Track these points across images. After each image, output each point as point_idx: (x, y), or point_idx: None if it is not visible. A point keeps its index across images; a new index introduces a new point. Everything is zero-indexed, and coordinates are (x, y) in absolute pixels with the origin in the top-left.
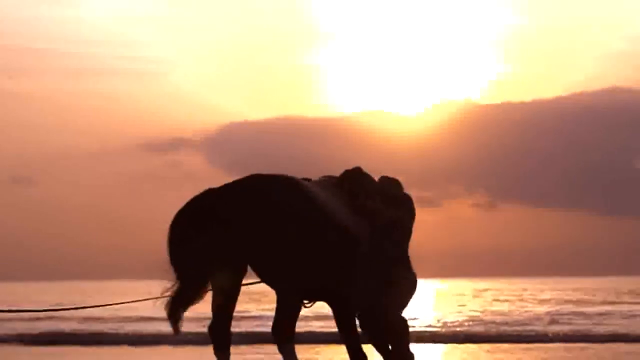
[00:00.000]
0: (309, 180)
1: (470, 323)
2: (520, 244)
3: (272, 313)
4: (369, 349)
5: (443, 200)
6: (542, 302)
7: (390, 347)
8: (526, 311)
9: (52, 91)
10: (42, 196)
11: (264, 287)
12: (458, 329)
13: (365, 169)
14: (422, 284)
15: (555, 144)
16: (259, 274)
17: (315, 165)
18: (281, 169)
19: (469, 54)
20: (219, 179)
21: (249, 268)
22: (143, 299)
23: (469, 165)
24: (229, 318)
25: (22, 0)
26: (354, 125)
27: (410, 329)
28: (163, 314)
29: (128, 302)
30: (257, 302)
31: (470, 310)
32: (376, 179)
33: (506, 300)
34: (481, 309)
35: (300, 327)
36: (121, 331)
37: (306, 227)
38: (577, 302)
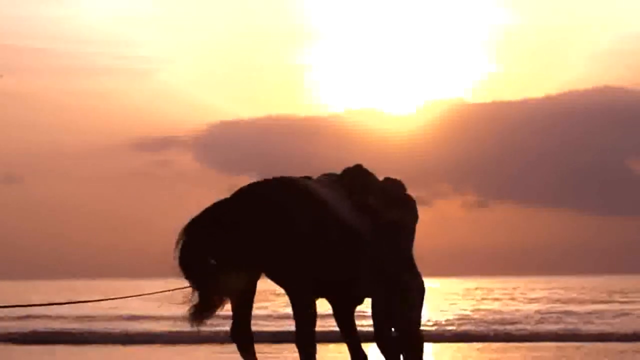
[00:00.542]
0: (309, 178)
1: (461, 322)
2: (511, 243)
3: (271, 312)
4: (369, 348)
5: (433, 199)
6: (533, 300)
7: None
8: (516, 310)
9: (43, 90)
10: (31, 194)
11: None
12: (448, 327)
13: None
14: None
15: (546, 143)
16: (270, 276)
17: (306, 164)
18: (272, 168)
19: (460, 53)
20: (210, 178)
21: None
22: (153, 292)
23: (459, 164)
24: (248, 319)
25: None
26: (345, 124)
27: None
28: (154, 312)
29: (139, 295)
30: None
31: (461, 309)
32: (378, 179)
33: (496, 299)
34: (471, 308)
35: None
36: (113, 330)
37: (310, 225)
38: (567, 301)
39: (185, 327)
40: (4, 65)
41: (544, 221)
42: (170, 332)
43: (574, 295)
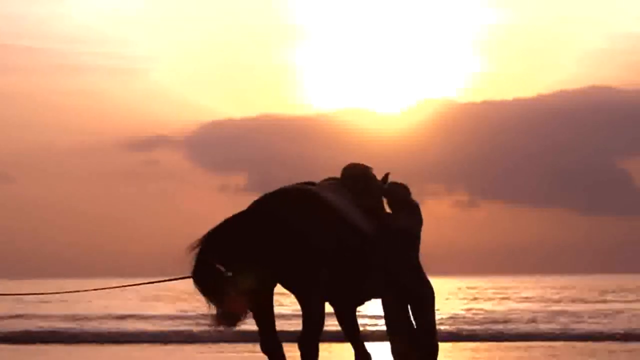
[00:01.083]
0: (312, 184)
1: (451, 322)
2: (501, 243)
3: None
4: (371, 348)
5: (424, 199)
6: (523, 300)
7: None
8: (507, 309)
9: (34, 89)
10: (20, 193)
11: None
12: (439, 327)
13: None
14: None
15: (536, 142)
16: (283, 284)
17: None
18: (262, 167)
19: (450, 53)
20: (199, 177)
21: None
22: (153, 281)
23: (449, 164)
24: (273, 328)
25: None
26: (335, 124)
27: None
28: (145, 311)
29: (140, 284)
30: None
31: (451, 309)
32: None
33: (487, 299)
34: (462, 308)
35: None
36: (104, 329)
37: (325, 235)
38: (558, 301)
39: (175, 326)
40: None
41: (535, 221)
42: (161, 332)
43: (565, 294)
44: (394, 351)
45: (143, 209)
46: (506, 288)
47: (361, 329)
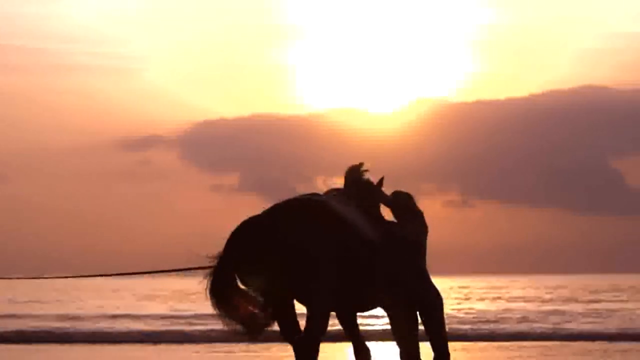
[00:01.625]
0: (318, 195)
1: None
2: (494, 243)
3: None
4: (370, 347)
5: (416, 199)
6: (517, 299)
7: None
8: (500, 309)
9: (26, 87)
10: (14, 193)
11: None
12: None
13: (339, 166)
14: None
15: (529, 142)
16: (294, 294)
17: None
18: (255, 166)
19: (443, 52)
20: (193, 176)
21: None
22: (171, 269)
23: (442, 164)
24: (293, 319)
25: None
26: (328, 123)
27: (384, 327)
28: (138, 311)
29: (155, 272)
30: None
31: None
32: (374, 181)
33: (480, 299)
34: (454, 307)
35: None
36: (97, 329)
37: (337, 247)
38: (551, 301)
39: (168, 326)
40: None
41: (528, 220)
42: (154, 331)
43: (558, 294)
44: (402, 353)
45: (137, 208)
46: (498, 288)
47: (361, 328)
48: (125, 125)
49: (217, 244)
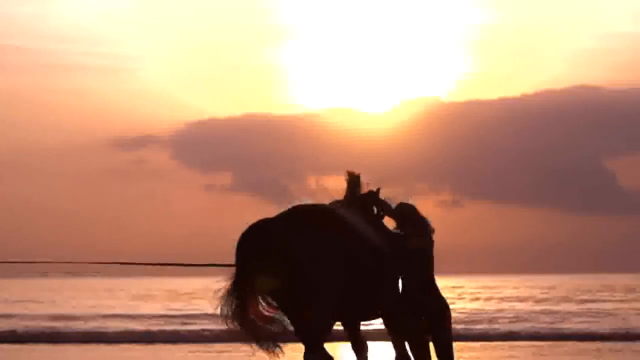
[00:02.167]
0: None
1: None
2: (487, 242)
3: None
4: (370, 347)
5: (409, 198)
6: (509, 299)
7: None
8: (492, 309)
9: (20, 87)
10: (7, 192)
11: None
12: None
13: (332, 166)
14: None
15: (522, 142)
16: (299, 301)
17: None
18: (248, 166)
19: (436, 52)
20: (186, 176)
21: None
22: (198, 264)
23: (435, 164)
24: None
25: None
26: (321, 123)
27: (375, 327)
28: (132, 311)
29: (180, 265)
30: None
31: None
32: (373, 189)
33: (473, 299)
34: None
35: None
36: (91, 329)
37: (346, 253)
38: (544, 300)
39: (163, 325)
40: None
41: (520, 220)
42: (149, 331)
43: (551, 294)
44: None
45: (130, 207)
46: (492, 288)
47: (361, 328)
48: (119, 125)
49: (212, 243)
